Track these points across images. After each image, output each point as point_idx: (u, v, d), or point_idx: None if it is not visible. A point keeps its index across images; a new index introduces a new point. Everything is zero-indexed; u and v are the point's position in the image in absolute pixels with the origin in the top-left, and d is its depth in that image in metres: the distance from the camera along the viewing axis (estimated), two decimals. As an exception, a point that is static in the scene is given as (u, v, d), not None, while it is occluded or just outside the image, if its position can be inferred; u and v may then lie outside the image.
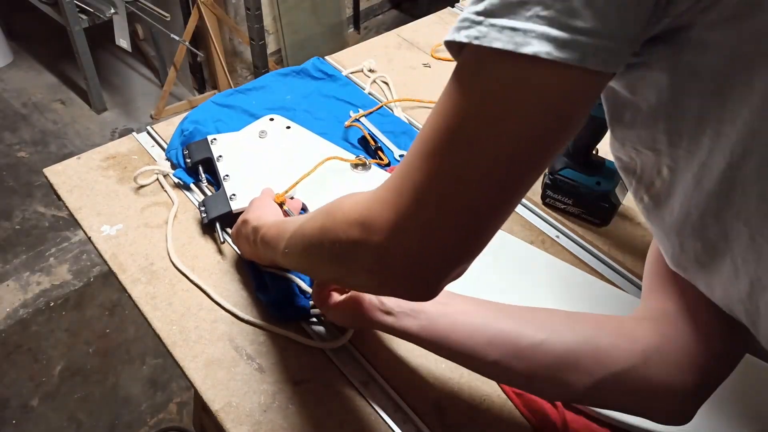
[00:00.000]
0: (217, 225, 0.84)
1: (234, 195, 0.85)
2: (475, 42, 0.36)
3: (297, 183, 0.86)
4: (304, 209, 0.86)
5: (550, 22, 0.34)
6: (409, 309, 0.61)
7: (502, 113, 0.37)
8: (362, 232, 0.44)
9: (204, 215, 0.84)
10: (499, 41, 0.35)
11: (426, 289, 0.45)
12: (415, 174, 0.40)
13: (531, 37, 0.34)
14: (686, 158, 0.43)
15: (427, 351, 0.72)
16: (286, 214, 0.80)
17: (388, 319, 0.62)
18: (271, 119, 0.98)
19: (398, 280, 0.44)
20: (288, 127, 0.96)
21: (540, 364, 0.53)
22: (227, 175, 0.88)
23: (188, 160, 0.92)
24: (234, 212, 0.83)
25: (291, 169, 0.89)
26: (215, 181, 0.91)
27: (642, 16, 0.35)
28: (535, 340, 0.54)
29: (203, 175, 0.92)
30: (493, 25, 0.36)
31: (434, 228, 0.40)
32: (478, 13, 0.37)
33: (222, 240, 0.83)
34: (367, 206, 0.44)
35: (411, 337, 0.61)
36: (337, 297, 0.69)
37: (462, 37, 0.37)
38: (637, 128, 0.46)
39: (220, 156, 0.90)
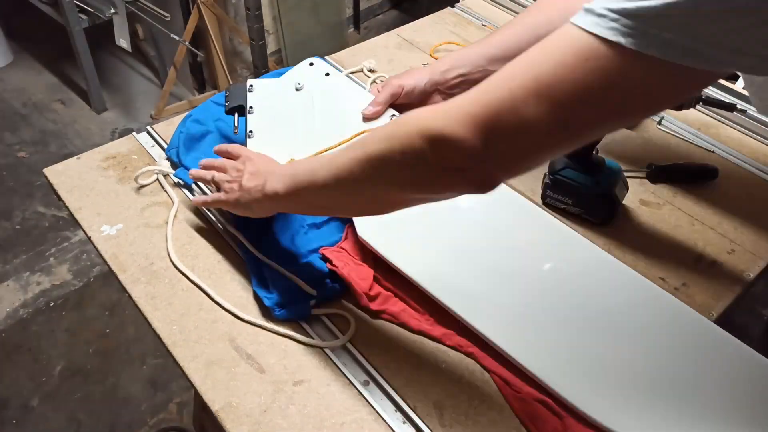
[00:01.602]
0: (236, 115, 0.88)
1: None
2: (634, 47, 0.42)
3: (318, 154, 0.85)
4: None
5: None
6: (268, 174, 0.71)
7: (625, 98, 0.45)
8: (448, 140, 0.50)
9: (227, 103, 0.87)
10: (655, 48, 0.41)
11: (490, 188, 0.53)
12: (519, 104, 0.46)
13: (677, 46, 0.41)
14: None
15: (426, 351, 0.73)
16: None
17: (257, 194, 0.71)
18: (311, 64, 0.96)
19: (471, 184, 0.52)
20: (327, 74, 0.95)
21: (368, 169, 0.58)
22: (251, 132, 0.87)
23: (227, 104, 0.91)
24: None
25: (316, 136, 0.88)
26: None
27: None
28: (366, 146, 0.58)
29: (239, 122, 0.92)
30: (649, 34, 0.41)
31: (514, 151, 0.49)
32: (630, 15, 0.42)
33: (236, 128, 0.88)
34: (452, 118, 0.50)
35: (281, 195, 0.69)
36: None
37: (621, 39, 0.42)
38: None
39: (251, 107, 0.90)
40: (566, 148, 0.52)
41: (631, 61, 0.42)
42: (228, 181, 0.76)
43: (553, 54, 0.45)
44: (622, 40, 0.42)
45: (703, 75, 0.43)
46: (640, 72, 0.43)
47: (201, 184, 0.92)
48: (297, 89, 0.93)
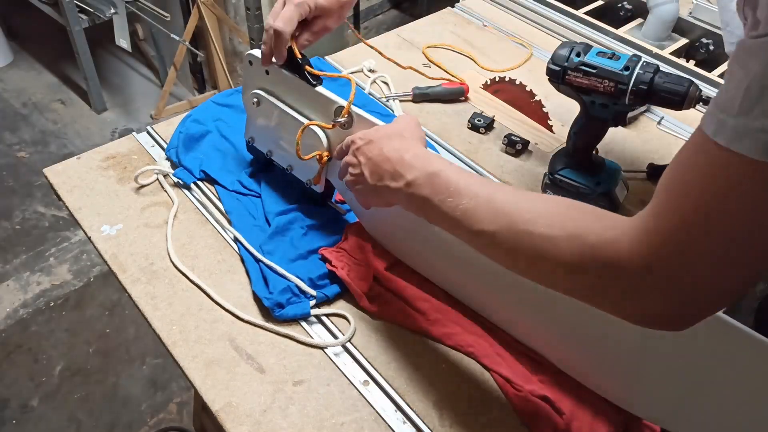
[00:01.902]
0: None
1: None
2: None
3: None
4: None
5: None
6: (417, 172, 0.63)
7: None
8: (616, 254, 0.45)
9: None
10: None
11: (680, 325, 0.47)
12: (700, 235, 0.41)
13: None
14: None
15: (426, 351, 0.73)
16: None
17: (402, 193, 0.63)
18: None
19: (654, 317, 0.47)
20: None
21: (527, 246, 0.53)
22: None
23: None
24: None
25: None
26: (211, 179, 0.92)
27: None
28: (530, 221, 0.53)
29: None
30: None
31: (700, 268, 0.42)
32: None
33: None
34: (618, 236, 0.46)
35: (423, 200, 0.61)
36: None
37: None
38: None
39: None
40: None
41: None
42: (352, 181, 0.71)
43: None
44: None
45: None
46: None
47: (201, 185, 0.92)
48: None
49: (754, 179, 0.38)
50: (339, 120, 0.78)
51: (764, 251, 0.41)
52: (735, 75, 0.39)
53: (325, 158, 0.82)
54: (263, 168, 0.93)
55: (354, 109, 0.78)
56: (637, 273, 0.45)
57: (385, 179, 0.65)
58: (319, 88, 0.81)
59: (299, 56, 0.81)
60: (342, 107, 0.78)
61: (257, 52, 0.84)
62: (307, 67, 0.81)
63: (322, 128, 0.81)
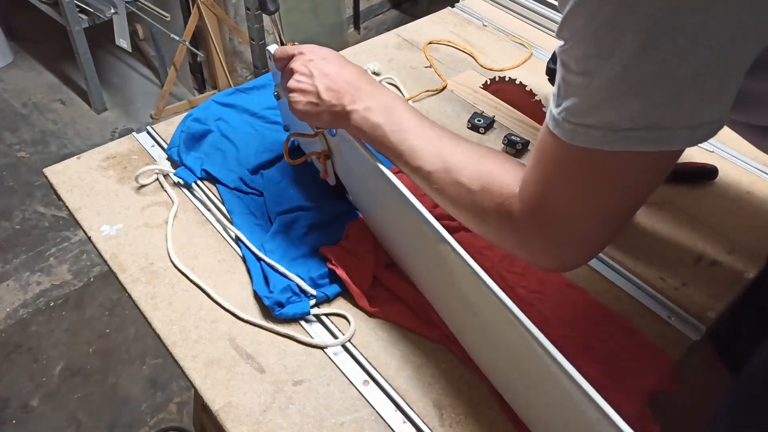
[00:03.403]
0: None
1: None
2: (623, 148, 0.46)
3: None
4: None
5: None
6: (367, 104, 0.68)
7: (634, 183, 0.50)
8: (510, 212, 0.56)
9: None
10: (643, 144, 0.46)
11: (550, 264, 0.59)
12: (566, 187, 0.52)
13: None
14: None
15: (426, 351, 0.73)
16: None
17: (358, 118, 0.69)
18: None
19: (530, 254, 0.58)
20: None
21: (452, 190, 0.62)
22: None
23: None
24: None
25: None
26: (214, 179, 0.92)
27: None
28: (458, 171, 0.61)
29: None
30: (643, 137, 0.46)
31: (566, 227, 0.53)
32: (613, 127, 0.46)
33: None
34: (517, 194, 0.56)
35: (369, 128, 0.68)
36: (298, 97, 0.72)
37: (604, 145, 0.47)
38: None
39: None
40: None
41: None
42: (300, 90, 0.72)
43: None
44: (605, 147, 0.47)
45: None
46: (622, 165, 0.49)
47: (202, 184, 0.92)
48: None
49: (569, 158, 0.49)
50: (321, 129, 0.79)
51: (602, 211, 0.52)
52: (557, 74, 0.49)
53: (323, 158, 0.82)
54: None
55: None
56: (521, 225, 0.55)
57: (344, 99, 0.69)
58: None
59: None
60: None
61: (275, 48, 0.85)
62: None
63: (311, 136, 0.82)
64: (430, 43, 1.26)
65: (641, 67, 0.43)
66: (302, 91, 0.72)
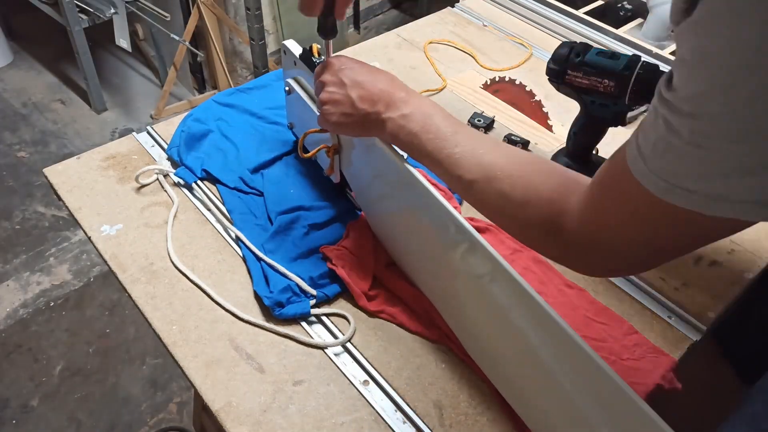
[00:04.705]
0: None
1: None
2: (692, 208, 0.44)
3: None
4: None
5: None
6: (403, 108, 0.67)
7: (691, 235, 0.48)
8: (559, 229, 0.55)
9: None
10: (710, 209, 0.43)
11: (587, 273, 0.59)
12: (635, 227, 0.50)
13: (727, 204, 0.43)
14: None
15: (426, 351, 0.73)
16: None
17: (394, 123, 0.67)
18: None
19: (571, 265, 0.57)
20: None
21: (493, 199, 0.61)
22: None
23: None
24: None
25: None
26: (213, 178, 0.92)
27: None
28: (501, 180, 0.60)
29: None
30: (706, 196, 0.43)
31: (621, 254, 0.52)
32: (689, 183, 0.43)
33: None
34: (570, 211, 0.54)
35: (410, 134, 0.65)
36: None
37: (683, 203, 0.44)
38: None
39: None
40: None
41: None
42: (333, 101, 0.70)
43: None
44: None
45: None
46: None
47: (202, 184, 0.92)
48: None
49: (650, 207, 0.46)
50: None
51: (664, 252, 0.51)
52: (652, 122, 0.45)
53: (333, 152, 0.82)
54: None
55: None
56: (571, 241, 0.54)
57: (378, 106, 0.67)
58: None
59: (317, 55, 0.82)
60: None
61: (290, 43, 0.86)
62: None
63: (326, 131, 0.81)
64: (430, 43, 1.26)
65: None
66: (335, 102, 0.70)
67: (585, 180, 0.56)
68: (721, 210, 0.42)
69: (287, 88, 0.89)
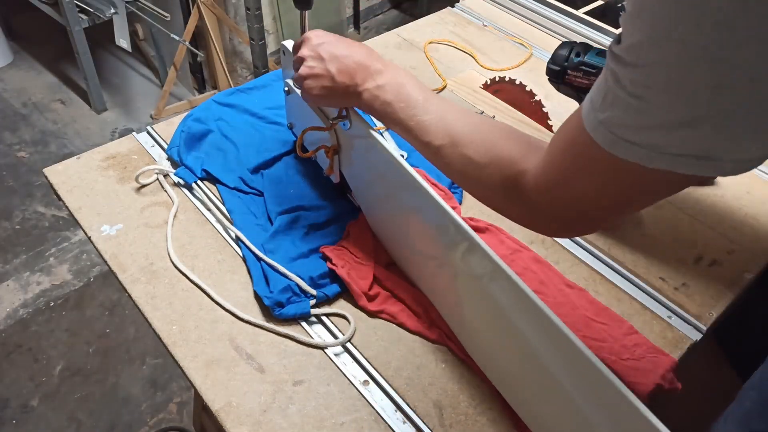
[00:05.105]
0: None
1: None
2: (644, 163, 0.45)
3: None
4: None
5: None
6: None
7: (637, 189, 0.50)
8: (519, 186, 0.57)
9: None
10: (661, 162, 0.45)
11: (550, 234, 0.64)
12: (589, 181, 0.51)
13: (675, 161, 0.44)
14: None
15: (426, 351, 0.73)
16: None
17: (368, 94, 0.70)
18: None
19: (533, 224, 0.60)
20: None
21: (459, 163, 0.63)
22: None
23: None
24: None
25: None
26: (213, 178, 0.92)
27: None
28: (467, 145, 0.63)
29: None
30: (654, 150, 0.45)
31: (580, 210, 0.54)
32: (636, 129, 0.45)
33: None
34: (529, 169, 0.56)
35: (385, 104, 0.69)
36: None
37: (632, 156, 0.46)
38: None
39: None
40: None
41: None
42: (314, 75, 0.73)
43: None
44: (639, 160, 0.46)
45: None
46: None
47: (202, 184, 0.92)
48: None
49: (601, 160, 0.48)
50: (336, 119, 0.79)
51: (620, 204, 0.53)
52: (603, 75, 0.47)
53: (332, 152, 0.83)
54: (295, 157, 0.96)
55: (356, 111, 0.78)
56: (531, 200, 0.56)
57: (356, 78, 0.71)
58: None
59: None
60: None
61: (289, 43, 0.86)
62: None
63: (325, 129, 0.82)
64: (430, 43, 1.26)
65: (712, 102, 0.41)
66: (315, 76, 0.73)
67: (546, 144, 0.58)
68: (660, 162, 0.44)
69: (287, 89, 0.89)
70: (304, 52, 0.74)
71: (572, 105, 0.90)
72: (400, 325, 0.76)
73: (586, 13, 1.42)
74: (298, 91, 0.83)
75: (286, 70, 0.89)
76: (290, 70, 0.88)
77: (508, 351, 0.66)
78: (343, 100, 0.74)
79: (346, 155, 0.83)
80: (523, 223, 0.61)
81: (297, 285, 0.77)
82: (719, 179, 0.98)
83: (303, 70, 0.74)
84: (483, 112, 1.08)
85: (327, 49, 0.72)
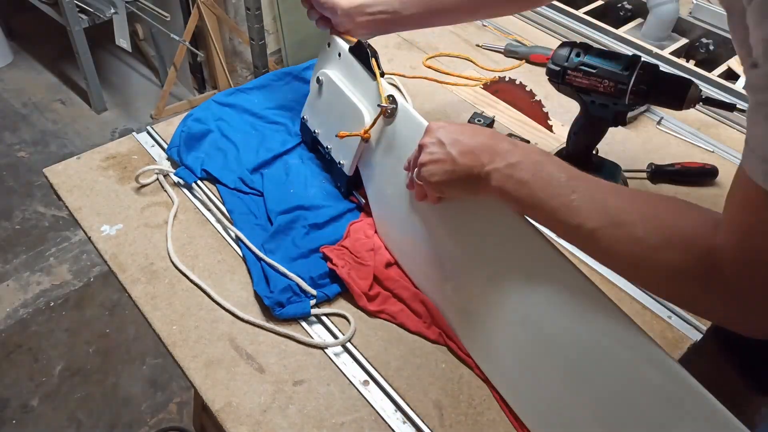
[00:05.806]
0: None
1: None
2: None
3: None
4: None
5: None
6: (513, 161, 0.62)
7: None
8: (715, 267, 0.48)
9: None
10: None
11: (753, 330, 0.51)
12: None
13: None
14: None
15: (426, 351, 0.72)
16: None
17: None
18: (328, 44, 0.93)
19: (734, 316, 0.50)
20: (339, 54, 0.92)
21: (626, 248, 0.54)
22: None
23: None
24: None
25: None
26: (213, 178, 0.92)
27: None
28: (631, 224, 0.54)
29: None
30: None
31: None
32: None
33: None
34: (723, 245, 0.47)
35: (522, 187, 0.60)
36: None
37: None
38: None
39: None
40: None
41: None
42: (433, 161, 0.67)
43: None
44: None
45: None
46: None
47: (202, 184, 0.92)
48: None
49: None
50: (385, 105, 0.79)
51: None
52: (753, 118, 0.42)
53: (365, 137, 0.82)
54: (310, 148, 0.98)
55: (402, 102, 0.79)
56: (733, 282, 0.47)
57: (482, 158, 0.63)
58: (379, 80, 0.82)
59: (368, 49, 0.85)
60: (390, 95, 0.80)
61: (337, 38, 0.89)
62: (373, 61, 0.83)
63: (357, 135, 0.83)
64: (428, 58, 1.26)
65: None
66: (436, 162, 0.67)
67: (716, 212, 0.51)
68: None
69: (319, 79, 0.91)
70: (425, 140, 0.69)
71: (572, 105, 0.90)
72: (400, 325, 0.76)
73: (586, 13, 1.42)
74: (353, 100, 0.85)
75: (322, 63, 0.92)
76: (327, 63, 0.91)
77: (515, 327, 0.66)
78: (467, 185, 0.65)
79: (367, 155, 0.83)
80: (716, 317, 0.53)
81: (297, 285, 0.77)
82: (719, 178, 0.98)
83: (423, 157, 0.68)
84: (483, 112, 1.08)
85: (447, 135, 0.67)
